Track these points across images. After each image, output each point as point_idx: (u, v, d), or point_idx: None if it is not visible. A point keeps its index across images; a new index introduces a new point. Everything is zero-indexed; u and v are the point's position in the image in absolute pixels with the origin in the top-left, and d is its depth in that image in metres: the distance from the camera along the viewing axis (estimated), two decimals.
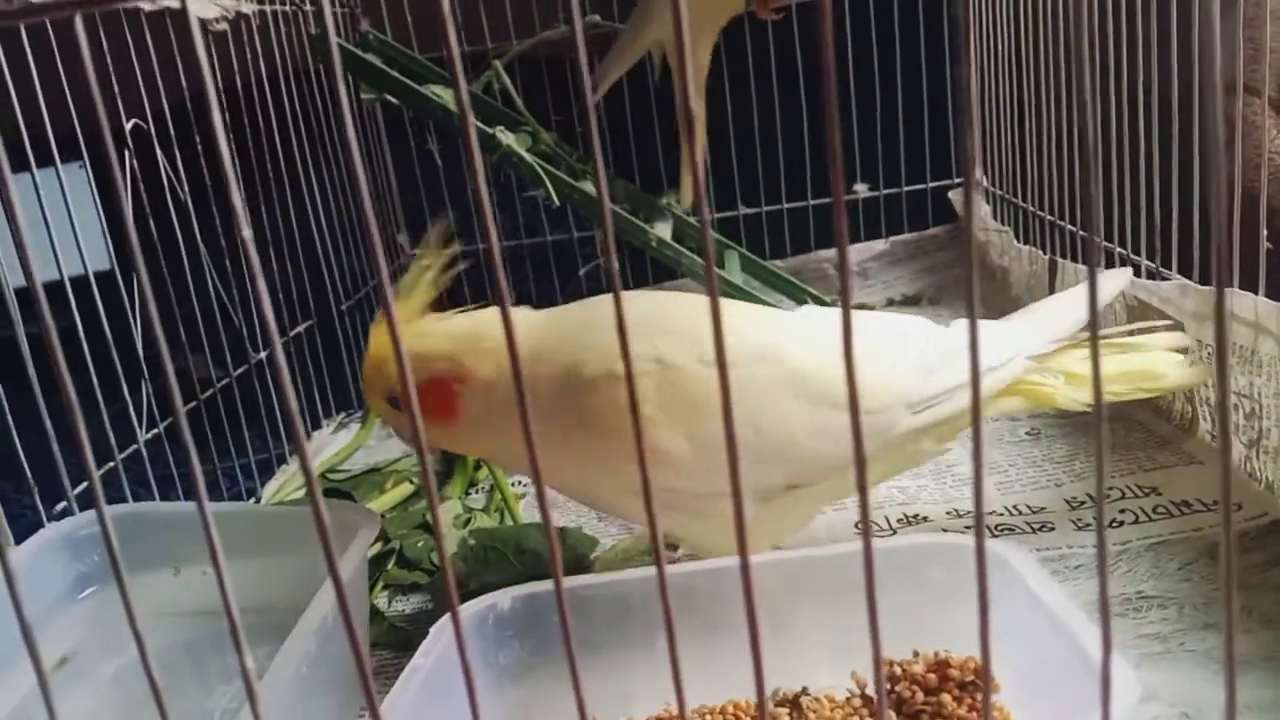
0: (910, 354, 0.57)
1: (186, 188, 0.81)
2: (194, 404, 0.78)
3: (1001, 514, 0.68)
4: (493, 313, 0.56)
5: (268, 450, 0.91)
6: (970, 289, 0.24)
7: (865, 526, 0.25)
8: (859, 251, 1.22)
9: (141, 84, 0.77)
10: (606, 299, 0.50)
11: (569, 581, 0.49)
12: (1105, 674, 0.29)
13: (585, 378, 0.52)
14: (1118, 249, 0.81)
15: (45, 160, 0.66)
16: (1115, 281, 0.67)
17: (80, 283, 0.67)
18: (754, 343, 0.54)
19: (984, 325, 0.64)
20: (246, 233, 0.25)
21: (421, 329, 0.55)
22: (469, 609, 0.48)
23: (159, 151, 0.79)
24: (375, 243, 0.24)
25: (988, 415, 0.65)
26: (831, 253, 1.22)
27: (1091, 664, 0.35)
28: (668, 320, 0.55)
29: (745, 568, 0.25)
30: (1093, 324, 0.25)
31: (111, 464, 0.68)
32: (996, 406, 0.61)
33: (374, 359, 0.56)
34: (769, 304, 1.07)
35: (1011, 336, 0.59)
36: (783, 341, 0.55)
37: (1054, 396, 0.59)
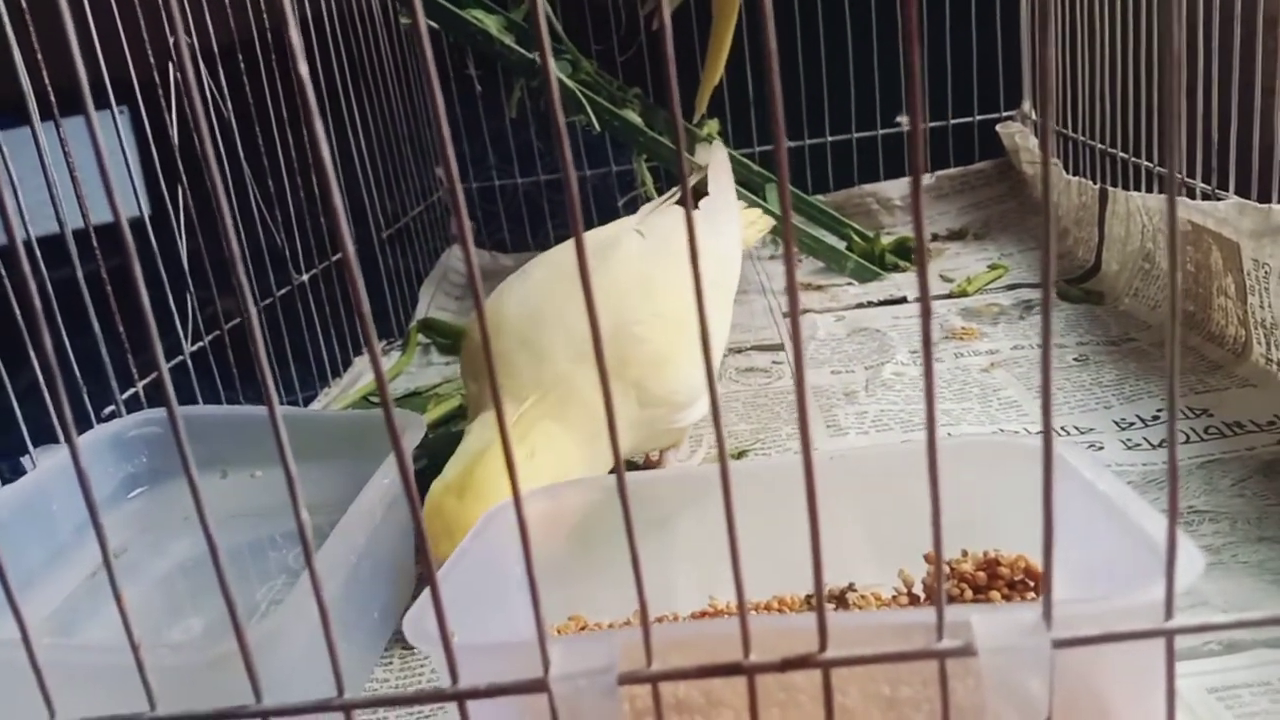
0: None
1: (231, 109, 0.81)
2: (237, 321, 0.79)
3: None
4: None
5: (313, 386, 0.91)
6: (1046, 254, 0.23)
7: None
8: (903, 186, 1.19)
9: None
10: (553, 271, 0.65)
11: (608, 480, 0.49)
12: (1171, 540, 0.28)
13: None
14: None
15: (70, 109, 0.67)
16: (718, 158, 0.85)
17: (134, 222, 0.68)
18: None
19: (715, 210, 0.80)
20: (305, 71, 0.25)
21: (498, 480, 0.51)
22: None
23: (207, 81, 0.79)
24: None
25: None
26: (874, 187, 1.20)
27: (1150, 542, 0.34)
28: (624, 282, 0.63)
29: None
30: (1172, 250, 0.24)
31: (155, 375, 0.69)
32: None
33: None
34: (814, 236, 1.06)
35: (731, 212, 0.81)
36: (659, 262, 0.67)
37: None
